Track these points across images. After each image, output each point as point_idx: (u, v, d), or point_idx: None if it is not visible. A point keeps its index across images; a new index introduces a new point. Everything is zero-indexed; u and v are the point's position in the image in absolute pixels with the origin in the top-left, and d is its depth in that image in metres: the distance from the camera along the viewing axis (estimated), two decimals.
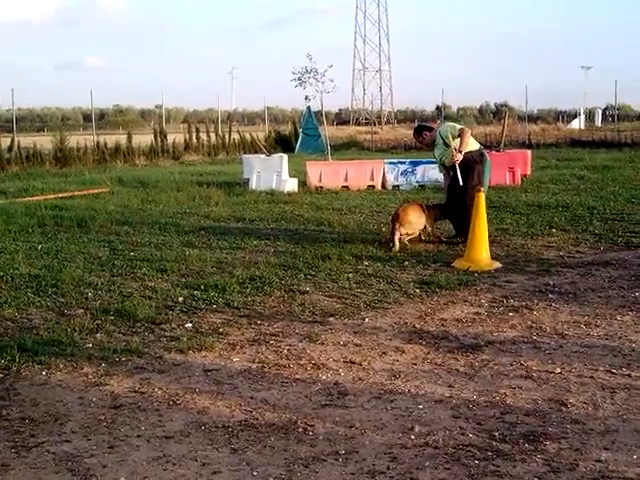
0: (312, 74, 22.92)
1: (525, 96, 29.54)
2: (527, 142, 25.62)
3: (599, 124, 53.82)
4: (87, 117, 72.01)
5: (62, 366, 4.71)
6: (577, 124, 50.57)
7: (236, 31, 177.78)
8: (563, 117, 65.27)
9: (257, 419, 3.86)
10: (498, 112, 76.35)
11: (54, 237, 9.72)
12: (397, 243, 8.37)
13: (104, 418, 3.91)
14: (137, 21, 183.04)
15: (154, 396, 4.21)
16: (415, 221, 8.61)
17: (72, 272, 7.34)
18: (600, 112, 57.84)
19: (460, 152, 8.78)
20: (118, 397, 4.20)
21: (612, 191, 13.09)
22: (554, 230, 9.31)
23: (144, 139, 28.44)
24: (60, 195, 14.66)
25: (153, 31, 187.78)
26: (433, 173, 15.16)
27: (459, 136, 8.74)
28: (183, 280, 7.06)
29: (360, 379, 4.42)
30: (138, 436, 3.69)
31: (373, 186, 15.30)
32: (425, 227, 8.75)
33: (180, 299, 6.35)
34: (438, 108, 56.32)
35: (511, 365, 4.55)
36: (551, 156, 21.74)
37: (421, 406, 3.97)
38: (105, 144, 25.74)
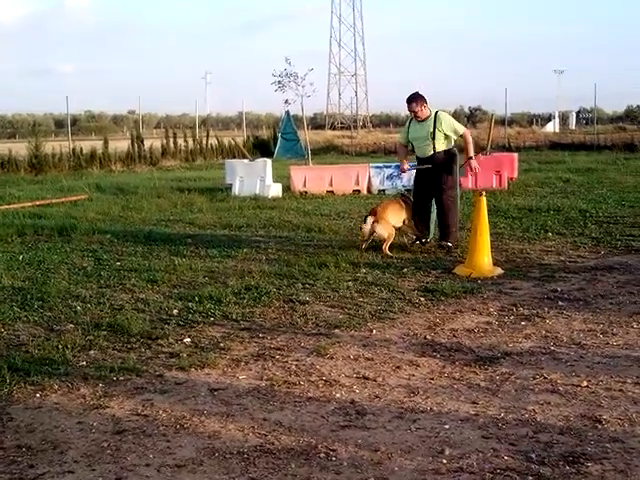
0: (292, 78, 22.73)
1: (505, 99, 29.57)
2: (507, 145, 25.60)
3: (573, 127, 54.34)
4: (59, 123, 71.08)
5: (57, 387, 4.40)
6: (552, 127, 50.99)
7: (209, 35, 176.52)
8: (537, 120, 65.80)
9: (273, 443, 3.59)
10: (472, 115, 76.69)
11: (35, 247, 9.36)
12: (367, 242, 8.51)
13: (107, 445, 3.62)
14: (107, 26, 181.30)
15: (159, 419, 3.92)
16: (392, 219, 8.53)
17: (57, 284, 7.01)
18: (574, 115, 58.42)
19: (471, 159, 8.58)
20: (120, 421, 3.90)
21: (600, 194, 13.02)
22: (550, 234, 9.16)
23: (119, 145, 27.98)
24: (38, 203, 14.23)
25: (123, 36, 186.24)
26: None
27: (461, 137, 8.58)
28: (175, 291, 6.77)
29: (377, 397, 4.16)
30: (147, 465, 3.40)
31: (359, 190, 15.08)
32: (404, 222, 8.66)
33: (175, 312, 6.05)
34: None
35: (534, 379, 4.33)
36: (532, 159, 21.69)
37: (447, 426, 3.72)
38: (81, 150, 25.22)
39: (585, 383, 4.22)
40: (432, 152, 8.43)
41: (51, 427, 3.84)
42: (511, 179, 15.20)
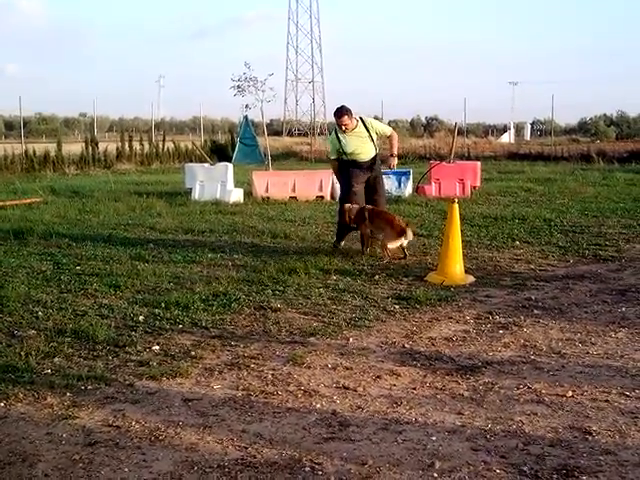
0: (252, 82, 22.47)
1: (464, 109, 29.81)
2: (467, 155, 25.81)
3: (528, 138, 55.19)
4: (8, 125, 69.36)
5: (22, 396, 4.15)
6: (507, 138, 51.63)
7: (162, 39, 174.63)
8: (492, 131, 66.68)
9: (255, 457, 3.42)
10: (429, 125, 77.43)
11: None
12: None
13: (79, 458, 3.40)
14: (56, 27, 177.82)
15: (132, 431, 3.71)
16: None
17: (17, 288, 6.71)
18: (529, 126, 59.40)
19: (394, 157, 8.83)
20: (91, 432, 3.68)
21: (562, 203, 13.14)
22: (517, 242, 9.16)
23: (72, 147, 27.38)
24: None
25: (74, 38, 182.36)
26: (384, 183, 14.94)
27: (388, 138, 8.87)
28: (140, 297, 6.53)
29: (359, 407, 4.02)
30: (122, 479, 3.20)
31: (322, 197, 14.94)
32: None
33: (141, 318, 5.82)
34: None
35: (518, 388, 4.24)
36: (492, 168, 21.87)
37: (434, 437, 3.60)
38: (34, 152, 24.59)
39: (570, 393, 4.14)
40: (374, 154, 8.69)
41: (18, 438, 3.61)
42: (474, 188, 15.25)
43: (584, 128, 65.08)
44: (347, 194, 8.78)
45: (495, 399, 4.09)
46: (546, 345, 5.06)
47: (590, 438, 3.56)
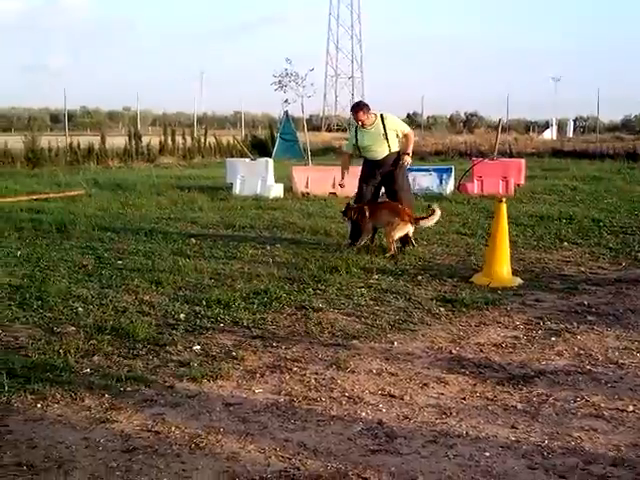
0: (293, 78, 22.40)
1: (506, 106, 29.29)
2: (509, 151, 25.31)
3: (571, 135, 54.11)
4: (54, 118, 70.30)
5: (59, 397, 4.06)
6: (549, 134, 50.68)
7: (203, 35, 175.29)
8: (534, 127, 65.57)
9: (299, 469, 3.27)
10: (468, 121, 76.46)
11: (32, 242, 9.00)
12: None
13: (117, 465, 3.29)
14: (102, 22, 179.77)
15: (172, 437, 3.59)
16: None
17: (57, 283, 6.68)
18: (572, 123, 58.26)
19: (409, 155, 8.66)
20: (130, 438, 3.57)
21: (610, 203, 12.76)
22: (566, 243, 8.88)
23: (114, 141, 27.58)
24: (35, 197, 13.87)
25: (119, 32, 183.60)
26: (424, 181, 14.74)
27: (405, 136, 8.73)
28: (181, 294, 6.44)
29: (406, 417, 3.85)
30: None
31: None
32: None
33: (182, 316, 5.73)
34: (409, 116, 55.86)
35: (574, 401, 4.03)
36: (535, 166, 21.41)
37: (487, 453, 3.41)
38: (78, 145, 24.83)
39: (631, 408, 3.92)
40: (387, 153, 8.57)
41: (54, 443, 3.51)
42: (518, 185, 14.93)
43: (628, 125, 63.57)
44: (357, 195, 8.92)
45: (551, 412, 3.89)
46: (602, 354, 4.83)
47: None
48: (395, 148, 8.62)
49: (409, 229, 8.26)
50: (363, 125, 8.57)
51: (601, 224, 10.26)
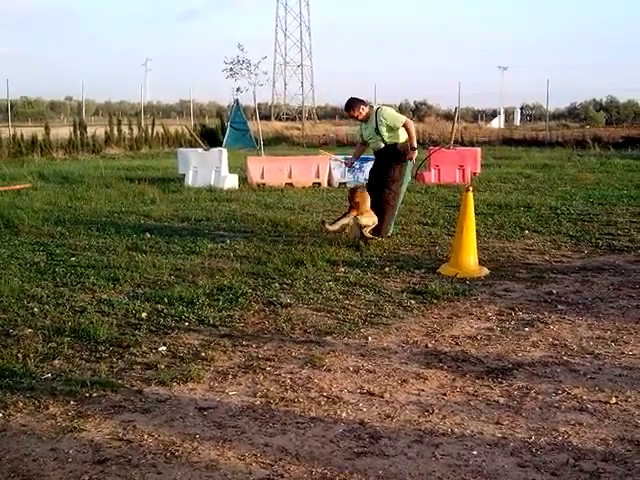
0: (245, 65, 22.03)
1: (458, 95, 29.39)
2: (460, 140, 25.49)
3: (518, 123, 54.89)
4: None
5: (22, 405, 3.81)
6: (497, 123, 51.31)
7: (147, 21, 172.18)
8: (481, 116, 66.29)
9: (282, 475, 3.12)
10: (417, 110, 76.84)
11: None
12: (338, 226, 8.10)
13: (89, 478, 3.08)
14: (41, 8, 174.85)
15: (145, 446, 3.39)
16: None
17: (10, 281, 6.36)
18: (519, 111, 59.13)
19: (414, 149, 8.55)
20: (100, 448, 3.36)
21: (565, 190, 12.90)
22: (527, 232, 8.89)
23: (58, 132, 26.81)
24: None
25: (58, 19, 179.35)
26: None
27: (404, 128, 8.52)
28: (140, 291, 6.20)
29: (388, 416, 3.72)
30: None
31: (319, 183, 14.60)
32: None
33: (143, 315, 5.49)
34: None
35: (556, 394, 3.96)
36: (487, 154, 21.55)
37: (475, 451, 3.31)
38: (21, 136, 24.05)
39: (614, 400, 3.86)
40: (383, 145, 8.58)
41: (21, 455, 3.28)
42: (474, 174, 14.98)
43: (573, 113, 64.84)
44: (367, 184, 8.96)
45: (534, 406, 3.81)
46: (577, 344, 4.78)
47: None
48: (392, 140, 8.46)
49: (362, 220, 8.07)
50: (362, 119, 8.67)
51: (559, 212, 10.33)
